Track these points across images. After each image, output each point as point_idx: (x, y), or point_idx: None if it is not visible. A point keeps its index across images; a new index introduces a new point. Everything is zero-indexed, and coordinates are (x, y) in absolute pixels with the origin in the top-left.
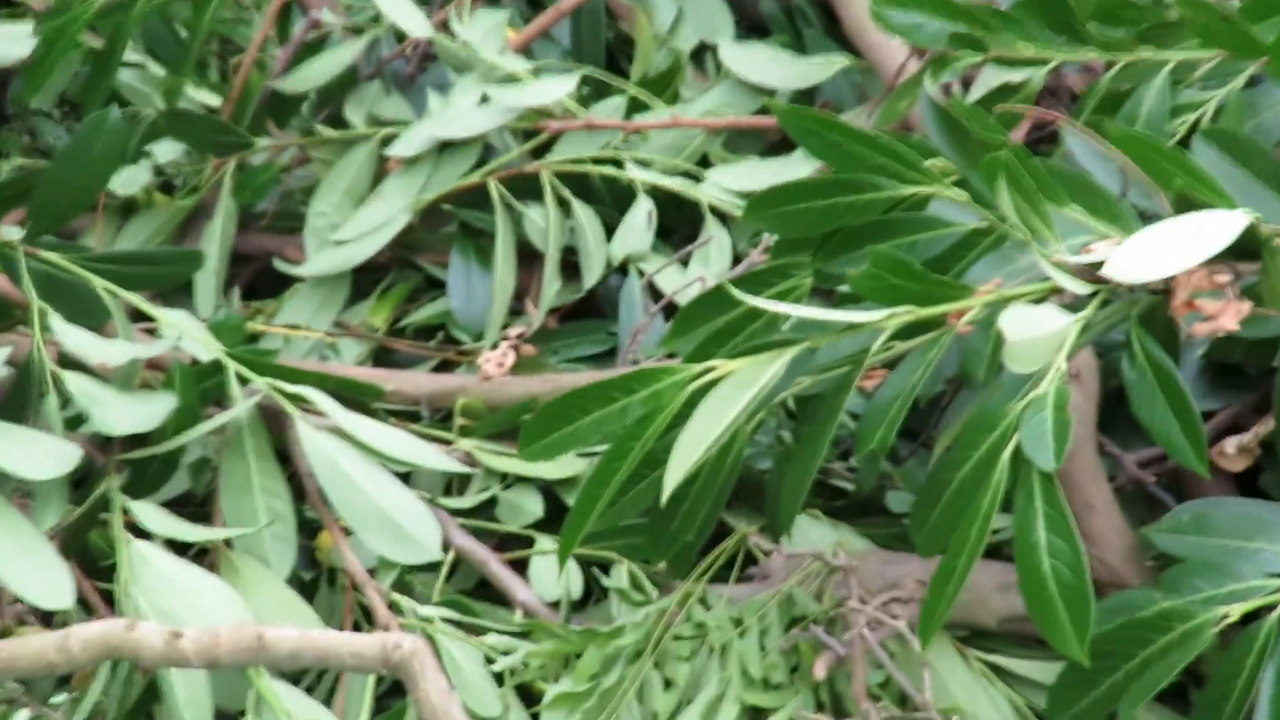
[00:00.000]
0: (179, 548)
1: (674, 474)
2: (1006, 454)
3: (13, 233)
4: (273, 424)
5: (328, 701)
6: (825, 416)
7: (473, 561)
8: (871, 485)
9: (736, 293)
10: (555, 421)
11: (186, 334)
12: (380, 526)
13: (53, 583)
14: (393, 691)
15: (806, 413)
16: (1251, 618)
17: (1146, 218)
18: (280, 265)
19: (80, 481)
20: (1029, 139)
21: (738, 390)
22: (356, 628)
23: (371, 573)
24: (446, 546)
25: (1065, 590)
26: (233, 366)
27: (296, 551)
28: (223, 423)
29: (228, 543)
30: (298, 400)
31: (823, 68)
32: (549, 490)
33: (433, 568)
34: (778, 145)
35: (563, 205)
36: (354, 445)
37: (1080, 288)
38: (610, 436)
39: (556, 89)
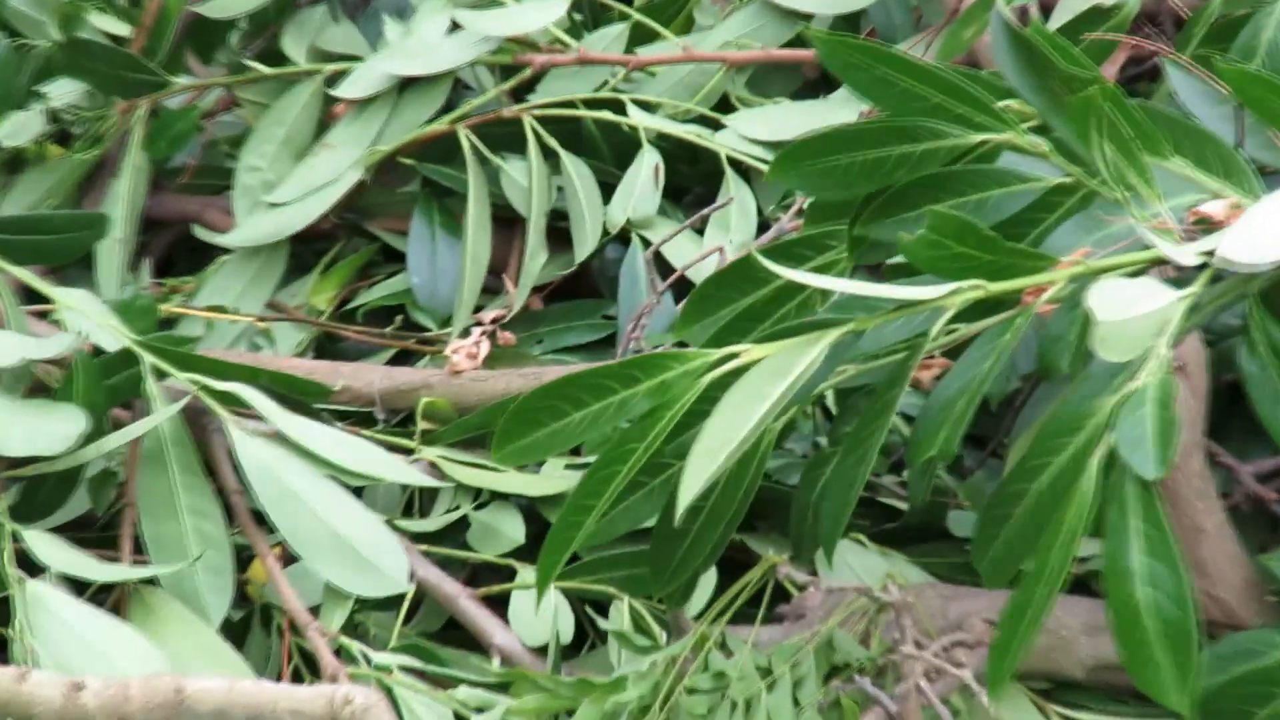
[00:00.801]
0: (76, 580)
1: (690, 486)
2: (1096, 460)
3: None
4: (194, 429)
5: None
6: (874, 416)
7: (439, 597)
8: (926, 501)
9: (766, 262)
10: (537, 417)
11: (89, 318)
12: (335, 553)
13: None
14: None
15: (848, 411)
16: None
17: (1266, 173)
18: (202, 233)
19: None
20: (1124, 75)
21: (767, 381)
22: (297, 678)
23: (315, 612)
24: (408, 579)
25: (1165, 627)
26: (148, 358)
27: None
28: (143, 430)
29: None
30: (227, 400)
31: None
32: (532, 510)
33: (390, 605)
34: (813, 85)
35: (550, 158)
36: (299, 454)
37: (1187, 258)
38: (606, 437)
39: (542, 15)
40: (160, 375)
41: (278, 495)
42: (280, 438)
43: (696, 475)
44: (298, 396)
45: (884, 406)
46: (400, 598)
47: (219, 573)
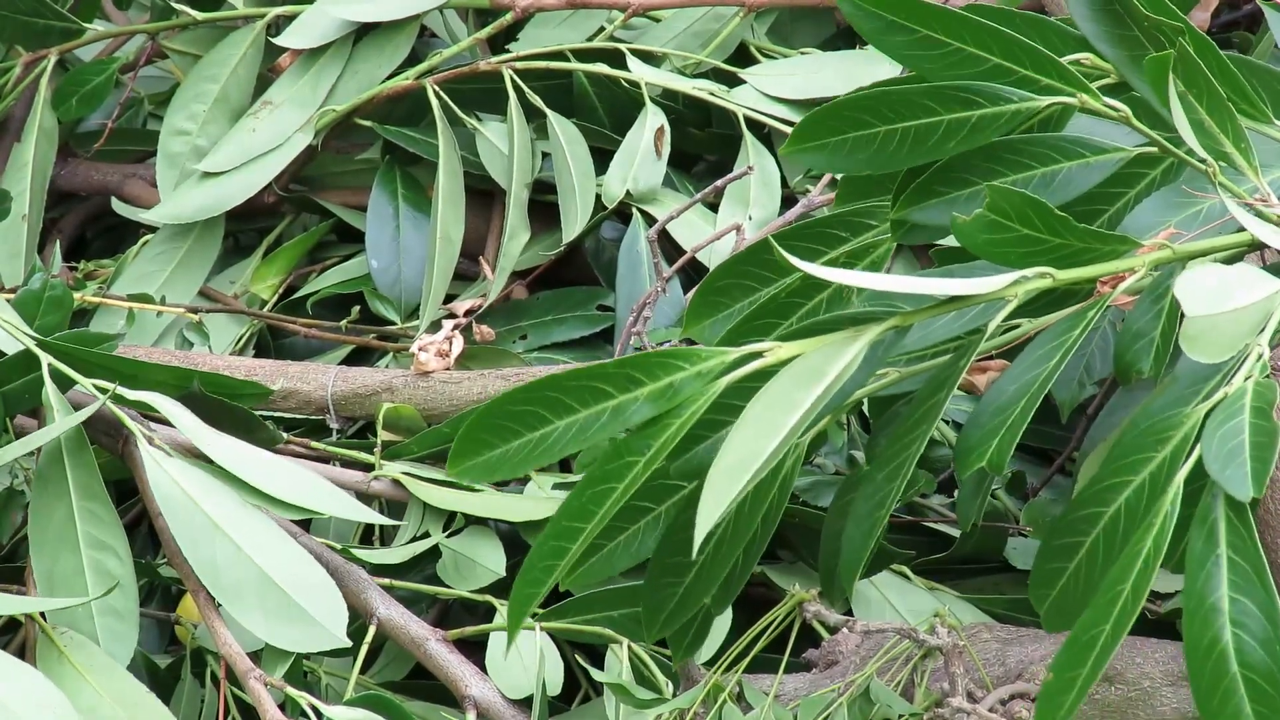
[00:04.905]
0: None
1: (710, 511)
2: (1180, 477)
3: None
4: (113, 442)
5: None
6: (914, 423)
7: (403, 641)
8: (980, 526)
9: (786, 254)
10: (509, 425)
11: None
12: (260, 598)
13: None
14: None
15: (889, 422)
16: None
17: None
18: (121, 208)
19: None
20: (1218, 24)
21: (797, 386)
22: None
23: (256, 657)
24: (365, 619)
25: (1253, 675)
26: (46, 361)
27: (138, 629)
28: (22, 451)
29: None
30: (141, 411)
31: None
32: (514, 538)
33: (345, 650)
34: (848, 33)
35: (534, 119)
36: (222, 478)
37: None
38: (595, 450)
39: None
40: (63, 381)
41: (193, 526)
42: (201, 458)
43: (717, 498)
44: (233, 402)
45: (926, 413)
46: (358, 641)
47: (121, 618)
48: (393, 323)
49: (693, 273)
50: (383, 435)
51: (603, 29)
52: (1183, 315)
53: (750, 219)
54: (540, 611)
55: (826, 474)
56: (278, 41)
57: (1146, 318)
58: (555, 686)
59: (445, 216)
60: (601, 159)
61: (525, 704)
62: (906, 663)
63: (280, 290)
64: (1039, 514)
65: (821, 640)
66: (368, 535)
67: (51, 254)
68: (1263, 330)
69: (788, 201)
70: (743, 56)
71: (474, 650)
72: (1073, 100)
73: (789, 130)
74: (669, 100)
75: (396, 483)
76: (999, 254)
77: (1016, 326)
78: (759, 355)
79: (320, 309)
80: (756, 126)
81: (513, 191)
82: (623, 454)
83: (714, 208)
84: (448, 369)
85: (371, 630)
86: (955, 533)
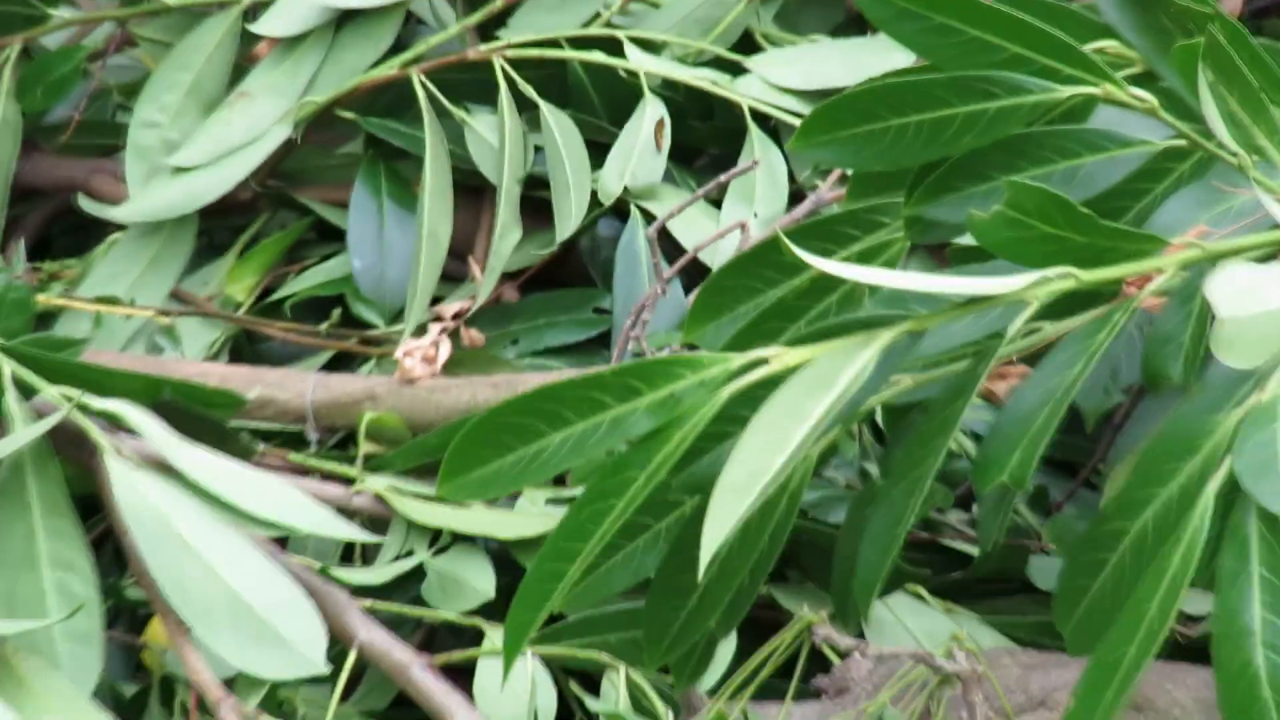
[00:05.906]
0: None
1: (716, 530)
2: (1212, 489)
3: None
4: (78, 452)
5: None
6: (930, 435)
7: (386, 667)
8: (1001, 544)
9: (796, 248)
10: (502, 439)
11: None
12: (233, 622)
13: None
14: None
15: (904, 432)
16: None
17: None
18: (88, 205)
19: None
20: (1250, 11)
21: (807, 395)
22: None
23: (230, 684)
24: (345, 644)
25: None
26: (8, 367)
27: (104, 654)
28: None
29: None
30: (110, 421)
31: None
32: (504, 557)
33: (324, 677)
34: (859, 19)
35: (526, 111)
36: (193, 492)
37: None
38: (593, 465)
39: None
40: (26, 389)
41: (163, 545)
42: (171, 471)
43: (724, 516)
44: (205, 412)
45: (943, 423)
46: (338, 668)
47: (84, 640)
48: (376, 326)
49: (694, 273)
50: (365, 446)
51: (598, 15)
52: (1214, 318)
53: (755, 216)
54: (532, 635)
55: (837, 488)
56: (254, 29)
57: (1175, 321)
58: (548, 715)
59: (432, 213)
60: (598, 152)
61: None
62: (922, 690)
63: (257, 292)
64: (1063, 530)
65: (832, 666)
66: (348, 554)
67: (14, 253)
68: None
69: (795, 198)
70: (747, 44)
71: (462, 677)
72: (1096, 91)
73: (796, 122)
74: (669, 91)
75: (379, 498)
76: (1019, 253)
77: (1038, 330)
78: (765, 362)
79: (299, 312)
80: (762, 118)
81: (504, 187)
82: (622, 468)
83: (717, 204)
84: (434, 376)
85: (352, 656)
86: (974, 550)
